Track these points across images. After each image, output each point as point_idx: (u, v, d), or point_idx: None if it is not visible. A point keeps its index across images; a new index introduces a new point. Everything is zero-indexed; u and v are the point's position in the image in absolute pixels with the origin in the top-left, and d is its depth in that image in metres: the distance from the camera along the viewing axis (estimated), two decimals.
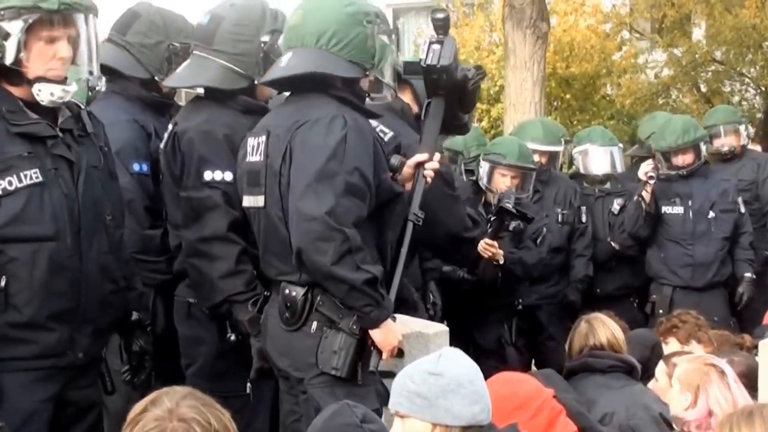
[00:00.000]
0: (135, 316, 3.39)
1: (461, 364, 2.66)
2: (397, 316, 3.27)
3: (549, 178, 6.21)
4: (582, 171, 6.63)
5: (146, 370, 3.45)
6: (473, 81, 3.82)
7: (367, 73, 3.35)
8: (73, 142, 3.13)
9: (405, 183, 3.48)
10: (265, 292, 3.46)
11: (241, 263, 3.52)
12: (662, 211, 6.23)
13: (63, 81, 3.06)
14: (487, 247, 5.13)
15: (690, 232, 6.21)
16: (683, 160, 6.24)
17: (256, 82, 3.65)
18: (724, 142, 6.89)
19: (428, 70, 3.61)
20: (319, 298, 3.18)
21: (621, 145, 6.98)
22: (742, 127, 7.04)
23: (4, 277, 2.93)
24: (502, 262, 5.27)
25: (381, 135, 3.85)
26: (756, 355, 4.09)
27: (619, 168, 6.71)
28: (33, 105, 3.05)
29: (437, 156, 3.57)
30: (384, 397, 3.00)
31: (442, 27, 3.58)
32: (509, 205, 5.17)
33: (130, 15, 4.06)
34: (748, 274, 6.27)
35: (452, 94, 3.70)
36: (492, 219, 5.23)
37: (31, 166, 2.99)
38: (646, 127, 6.78)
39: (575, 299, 6.17)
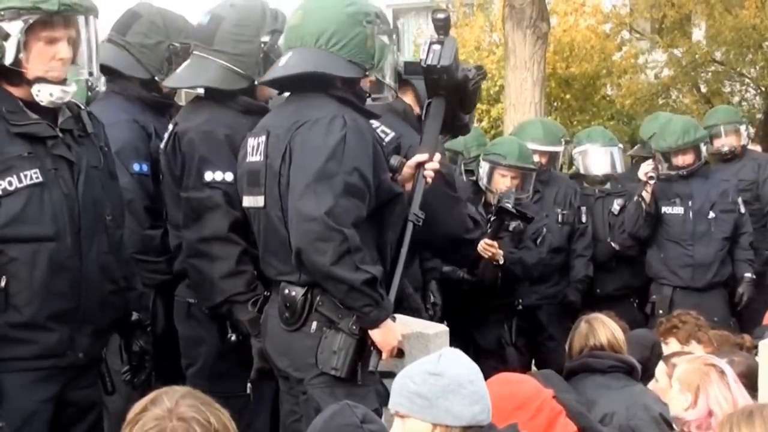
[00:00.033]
0: (135, 316, 3.39)
1: (461, 365, 2.67)
2: (397, 316, 3.27)
3: (549, 179, 6.21)
4: (582, 171, 6.64)
5: (146, 371, 3.45)
6: (474, 81, 3.82)
7: (367, 73, 3.35)
8: (73, 143, 3.13)
9: (405, 183, 3.48)
10: (265, 293, 3.46)
11: (242, 264, 3.52)
12: (662, 212, 6.23)
13: (62, 82, 3.06)
14: (487, 247, 5.13)
15: (690, 232, 6.21)
16: (683, 160, 6.24)
17: (256, 82, 3.65)
18: (725, 142, 6.89)
19: (429, 70, 3.61)
20: (318, 298, 3.18)
21: (621, 145, 6.98)
22: (742, 128, 7.04)
23: (4, 277, 2.94)
24: (502, 262, 5.27)
25: (382, 135, 3.85)
26: (756, 355, 4.09)
27: (619, 168, 6.71)
28: (33, 105, 3.05)
29: (437, 156, 3.57)
30: (384, 397, 3.00)
31: (442, 27, 3.58)
32: (509, 205, 5.17)
33: (131, 15, 4.06)
34: (748, 275, 6.27)
35: (453, 95, 3.70)
36: (492, 219, 5.23)
37: (31, 167, 2.99)
38: (648, 128, 6.78)
39: (575, 299, 6.17)
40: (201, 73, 3.68)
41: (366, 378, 3.18)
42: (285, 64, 3.34)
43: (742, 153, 6.95)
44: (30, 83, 3.02)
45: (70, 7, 3.00)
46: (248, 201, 3.37)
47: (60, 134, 3.09)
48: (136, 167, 3.87)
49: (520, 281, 5.65)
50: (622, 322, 4.55)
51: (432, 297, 5.12)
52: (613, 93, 16.35)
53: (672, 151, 6.22)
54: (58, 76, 3.04)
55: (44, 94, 3.02)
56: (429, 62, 3.58)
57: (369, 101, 3.54)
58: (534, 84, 9.55)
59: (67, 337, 3.06)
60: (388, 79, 3.47)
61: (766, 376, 3.79)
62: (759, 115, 15.77)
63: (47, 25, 2.99)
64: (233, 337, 3.60)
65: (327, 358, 3.14)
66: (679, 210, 6.24)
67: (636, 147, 7.39)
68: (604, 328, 4.07)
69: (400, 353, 3.29)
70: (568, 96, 15.39)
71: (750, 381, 3.88)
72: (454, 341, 3.72)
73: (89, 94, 4.40)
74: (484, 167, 5.60)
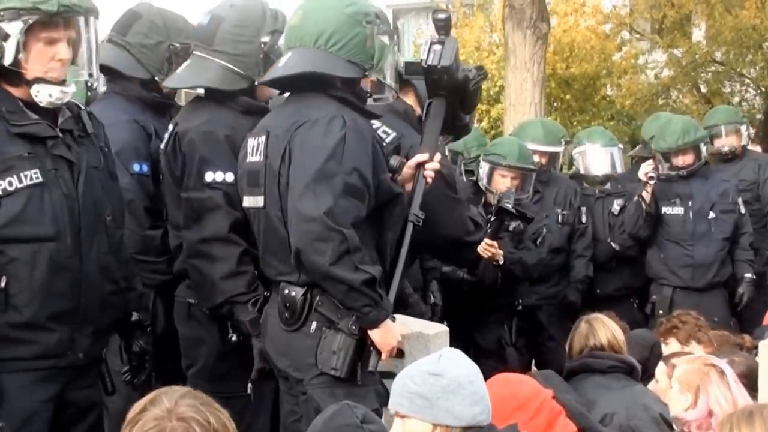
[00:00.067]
0: (135, 316, 3.39)
1: (461, 365, 2.67)
2: (397, 316, 3.27)
3: (549, 179, 6.21)
4: (582, 171, 6.64)
5: (146, 371, 3.45)
6: (474, 82, 3.81)
7: (367, 73, 3.35)
8: (73, 143, 3.13)
9: (405, 184, 3.48)
10: (265, 293, 3.46)
11: (243, 264, 3.52)
12: (662, 212, 6.23)
13: (62, 82, 3.06)
14: (487, 247, 5.13)
15: (690, 232, 6.21)
16: (683, 160, 6.24)
17: (256, 82, 3.65)
18: (725, 143, 6.89)
19: (429, 70, 3.61)
20: (318, 298, 3.18)
21: (621, 145, 6.98)
22: (743, 128, 7.04)
23: (4, 277, 2.94)
24: (502, 262, 5.27)
25: (384, 135, 3.85)
26: (756, 355, 4.09)
27: (619, 168, 6.71)
28: (33, 105, 3.05)
29: (438, 156, 3.57)
30: (384, 397, 3.00)
31: (443, 27, 3.58)
32: (509, 205, 5.17)
33: (131, 15, 4.06)
34: (748, 275, 6.27)
35: (453, 95, 3.70)
36: (492, 219, 5.23)
37: (31, 167, 2.99)
38: (650, 128, 6.77)
39: (575, 300, 6.17)
40: (201, 73, 3.68)
41: (366, 378, 3.18)
42: (284, 65, 3.34)
43: (743, 153, 6.95)
44: (29, 84, 3.02)
45: (70, 8, 3.00)
46: (248, 201, 3.38)
47: (60, 134, 3.09)
48: (136, 167, 3.86)
49: (520, 281, 5.65)
50: (623, 322, 4.55)
51: (432, 297, 5.12)
52: (613, 93, 16.35)
53: (672, 152, 6.22)
54: (58, 76, 3.04)
55: (43, 95, 3.02)
56: (430, 62, 3.58)
57: (370, 101, 3.54)
58: (534, 84, 9.56)
59: (67, 338, 3.06)
60: (389, 80, 3.46)
61: (766, 376, 3.79)
62: (759, 116, 15.77)
63: (47, 26, 2.99)
64: (234, 338, 3.60)
65: (326, 358, 3.14)
66: (679, 210, 6.24)
67: (638, 147, 7.39)
68: (604, 329, 4.07)
69: (400, 353, 3.29)
70: (568, 96, 15.40)
71: (750, 381, 3.88)
72: (454, 341, 3.72)
73: (89, 94, 4.39)
74: (484, 168, 5.60)
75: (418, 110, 4.12)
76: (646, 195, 6.14)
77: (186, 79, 3.76)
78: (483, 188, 5.61)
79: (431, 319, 4.57)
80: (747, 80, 15.93)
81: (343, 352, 3.13)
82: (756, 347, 4.21)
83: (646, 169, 6.17)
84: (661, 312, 6.00)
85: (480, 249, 5.06)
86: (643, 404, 3.73)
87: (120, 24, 4.06)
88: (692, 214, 6.21)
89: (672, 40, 15.78)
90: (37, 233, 2.97)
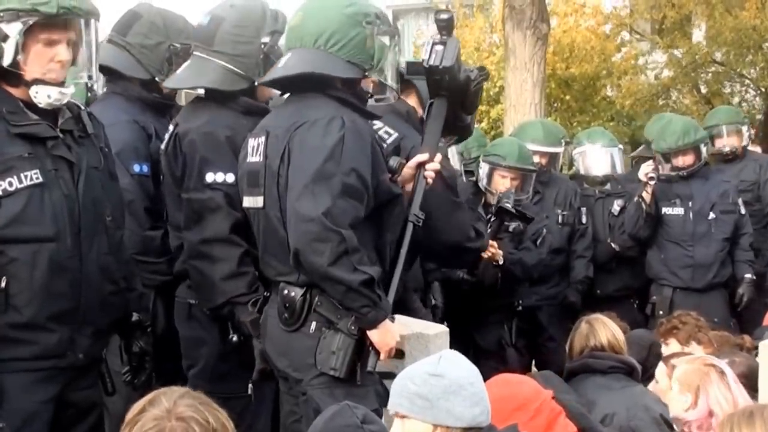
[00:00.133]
0: (135, 317, 3.39)
1: (461, 367, 2.67)
2: (397, 316, 3.27)
3: (549, 180, 6.21)
4: (582, 172, 6.64)
5: (146, 371, 3.45)
6: (476, 82, 3.81)
7: (366, 74, 3.35)
8: (73, 143, 3.13)
9: (405, 184, 3.48)
10: (265, 293, 3.46)
11: (243, 265, 3.52)
12: (662, 212, 6.23)
13: (61, 84, 3.05)
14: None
15: (690, 233, 6.21)
16: (683, 161, 6.24)
17: (256, 83, 3.65)
18: (726, 143, 6.88)
19: (431, 70, 3.61)
20: (317, 298, 3.18)
21: (621, 146, 6.98)
22: (744, 128, 7.04)
23: (4, 277, 2.94)
24: (501, 262, 5.27)
25: (385, 136, 3.85)
26: (756, 356, 4.08)
27: (619, 169, 6.71)
28: (33, 106, 3.05)
29: (438, 156, 3.57)
30: (384, 397, 3.00)
31: (445, 28, 3.57)
32: (508, 205, 5.17)
33: (131, 16, 4.06)
34: (748, 275, 6.27)
35: (455, 95, 3.70)
36: (491, 219, 5.23)
37: (31, 167, 2.99)
38: (652, 128, 6.76)
39: (575, 300, 6.17)
40: (201, 73, 3.68)
41: (365, 378, 3.18)
42: (284, 65, 3.34)
43: (743, 154, 6.95)
44: (28, 85, 3.02)
45: (69, 10, 3.00)
46: (248, 201, 3.38)
47: (60, 135, 3.09)
48: (136, 168, 3.86)
49: (520, 282, 5.65)
50: (623, 323, 4.55)
51: (433, 299, 5.11)
52: (613, 94, 16.35)
53: (672, 152, 6.22)
54: (57, 78, 3.04)
55: (42, 96, 3.02)
56: (431, 63, 3.58)
57: (372, 102, 3.54)
58: (534, 85, 9.56)
59: (68, 338, 3.06)
60: (389, 80, 3.46)
61: (766, 376, 3.79)
62: (759, 116, 15.77)
63: (46, 28, 2.99)
64: (234, 338, 3.60)
65: (326, 358, 3.14)
66: (679, 211, 6.23)
67: (641, 148, 7.38)
68: (604, 329, 4.07)
69: (399, 354, 3.29)
70: (568, 97, 15.40)
71: (750, 381, 3.88)
72: (454, 342, 3.72)
73: (89, 95, 4.39)
74: (483, 168, 5.60)
75: (420, 111, 4.12)
76: (646, 195, 6.14)
77: (186, 80, 3.76)
78: (483, 189, 5.61)
79: (432, 320, 4.56)
80: (747, 81, 15.93)
81: (342, 352, 3.13)
82: (756, 348, 4.21)
83: (646, 169, 6.17)
84: (661, 312, 6.00)
85: None
86: (644, 405, 3.73)
87: (120, 24, 4.06)
88: (692, 215, 6.21)
89: (672, 41, 15.78)
90: (37, 233, 2.97)
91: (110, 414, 3.50)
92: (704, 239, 6.19)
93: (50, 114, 3.09)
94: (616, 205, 6.48)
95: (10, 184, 2.95)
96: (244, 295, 3.50)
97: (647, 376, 4.20)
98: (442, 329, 3.71)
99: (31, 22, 2.95)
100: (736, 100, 15.88)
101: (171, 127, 3.75)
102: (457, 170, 5.59)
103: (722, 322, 5.88)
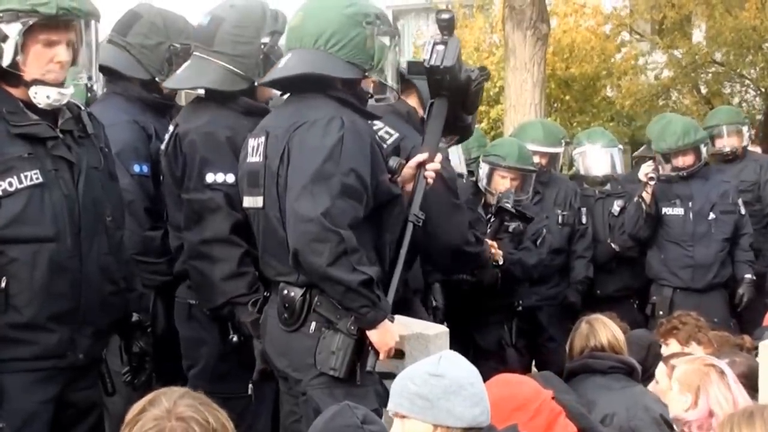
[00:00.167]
0: (135, 317, 3.39)
1: (461, 367, 2.67)
2: (398, 317, 3.27)
3: (549, 180, 6.21)
4: (582, 172, 6.64)
5: (146, 372, 3.45)
6: (477, 82, 3.81)
7: (366, 74, 3.35)
8: (73, 143, 3.13)
9: (406, 184, 3.48)
10: (265, 293, 3.46)
11: (244, 265, 3.52)
12: (662, 213, 6.23)
13: (60, 84, 3.05)
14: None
15: (690, 233, 6.21)
16: (683, 161, 6.24)
17: (256, 83, 3.65)
18: (726, 143, 6.88)
19: (432, 70, 3.61)
20: (317, 298, 3.18)
21: (621, 146, 6.98)
22: (744, 128, 7.04)
23: (4, 278, 2.94)
24: (501, 262, 5.26)
25: (386, 136, 3.85)
26: (756, 356, 4.09)
27: (619, 169, 6.71)
28: (33, 106, 3.05)
29: (438, 156, 3.57)
30: (384, 397, 3.00)
31: (447, 27, 3.57)
32: (508, 205, 5.17)
33: (131, 16, 4.06)
34: (748, 276, 6.27)
35: (456, 95, 3.70)
36: (491, 219, 5.22)
37: (31, 167, 2.99)
38: (653, 128, 6.77)
39: (575, 300, 6.17)
40: (201, 74, 3.68)
41: (365, 378, 3.18)
42: (284, 66, 3.34)
43: (743, 154, 6.95)
44: (27, 85, 3.02)
45: (69, 11, 3.00)
46: (248, 201, 3.38)
47: (60, 135, 3.09)
48: (136, 168, 3.86)
49: (520, 282, 5.64)
50: (623, 323, 4.55)
51: (434, 301, 5.11)
52: (613, 94, 16.38)
53: (672, 152, 6.22)
54: (56, 78, 3.04)
55: (41, 96, 3.02)
56: (432, 62, 3.58)
57: (372, 102, 3.54)
58: (534, 85, 9.56)
59: (68, 338, 3.06)
60: (389, 80, 3.46)
61: (766, 377, 3.79)
62: (759, 117, 15.78)
63: (45, 28, 2.98)
64: (234, 339, 3.60)
65: (325, 358, 3.14)
66: (679, 211, 6.23)
67: (642, 148, 7.38)
68: (604, 329, 4.07)
69: (400, 354, 3.29)
70: (568, 97, 15.42)
71: (750, 382, 3.88)
72: (454, 342, 3.72)
73: (88, 95, 4.40)
74: (483, 168, 5.59)
75: (420, 111, 4.12)
76: (646, 196, 6.14)
77: (186, 80, 3.76)
78: (483, 189, 5.60)
79: (432, 321, 4.56)
80: (747, 81, 15.95)
81: (341, 352, 3.13)
82: (756, 348, 4.21)
83: (646, 169, 6.17)
84: (661, 313, 6.00)
85: None
86: (644, 405, 3.73)
87: (120, 24, 4.06)
88: (692, 215, 6.21)
89: (672, 41, 15.80)
90: (38, 234, 2.97)
91: (110, 414, 3.50)
92: (704, 239, 6.19)
93: (50, 114, 3.09)
94: (616, 206, 6.47)
95: (10, 184, 2.95)
96: (245, 296, 3.50)
97: (646, 376, 4.20)
98: (442, 329, 3.71)
99: (30, 23, 2.95)
100: (736, 100, 15.90)
101: (171, 128, 3.75)
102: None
103: (722, 322, 5.88)
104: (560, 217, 6.18)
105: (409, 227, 3.39)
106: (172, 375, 3.60)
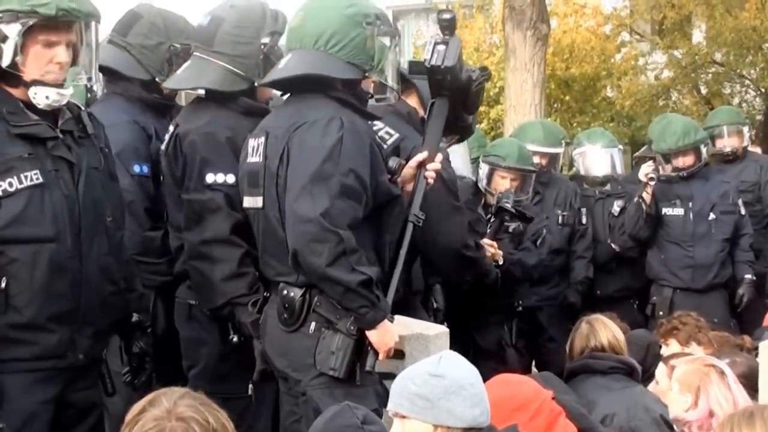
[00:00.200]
0: (135, 317, 3.39)
1: (461, 367, 2.67)
2: (397, 317, 3.27)
3: (549, 180, 6.21)
4: (582, 173, 6.64)
5: (147, 372, 3.45)
6: (478, 82, 3.81)
7: (366, 74, 3.35)
8: (73, 144, 3.13)
9: (406, 184, 3.48)
10: (265, 293, 3.47)
11: (244, 266, 3.52)
12: (662, 213, 6.23)
13: (60, 85, 3.05)
14: (486, 247, 5.12)
15: (690, 233, 6.21)
16: (683, 161, 6.24)
17: (256, 83, 3.65)
18: (727, 143, 6.88)
19: (433, 70, 3.61)
20: (316, 299, 3.18)
21: (621, 146, 6.98)
22: (745, 129, 7.04)
23: (4, 278, 2.93)
24: (501, 262, 5.26)
25: (386, 136, 3.85)
26: (756, 356, 4.09)
27: (619, 169, 6.71)
28: (33, 106, 3.05)
29: (439, 156, 3.57)
30: (384, 398, 3.00)
31: (448, 27, 3.57)
32: (508, 205, 5.16)
33: (131, 16, 4.06)
34: (748, 276, 6.27)
35: (456, 95, 3.70)
36: (491, 219, 5.22)
37: (31, 168, 2.99)
38: (654, 129, 6.76)
39: (575, 301, 6.18)
40: (201, 74, 3.68)
41: (364, 378, 3.18)
42: (284, 66, 3.34)
43: (744, 154, 6.95)
44: (27, 85, 3.02)
45: (68, 12, 2.99)
46: (248, 202, 3.38)
47: (60, 135, 3.09)
48: (136, 168, 3.86)
49: (520, 282, 5.64)
50: (623, 323, 4.55)
51: (435, 302, 5.11)
52: (613, 94, 16.39)
53: (672, 153, 6.22)
54: (55, 79, 3.04)
55: (41, 97, 3.02)
56: (433, 62, 3.57)
57: (372, 102, 3.53)
58: (534, 85, 9.57)
59: (68, 338, 3.05)
60: (390, 81, 3.46)
61: (766, 377, 3.79)
62: (759, 117, 15.79)
63: (45, 29, 2.98)
64: (235, 339, 3.60)
65: (325, 358, 3.14)
66: (679, 211, 6.24)
67: (644, 148, 7.40)
68: (605, 329, 4.07)
69: (400, 354, 3.28)
70: (568, 97, 15.43)
71: (750, 382, 3.88)
72: (454, 342, 3.72)
73: (88, 95, 4.40)
74: (483, 169, 5.59)
75: (421, 112, 4.12)
76: (647, 196, 6.14)
77: (186, 80, 3.76)
78: (483, 189, 5.60)
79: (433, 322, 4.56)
80: (747, 81, 15.95)
81: (341, 352, 3.13)
82: (756, 348, 4.21)
83: (646, 170, 6.17)
84: (661, 313, 6.00)
85: None
86: (644, 405, 3.73)
87: (120, 25, 4.06)
88: (692, 216, 6.21)
89: (672, 42, 15.81)
90: (38, 234, 2.97)
91: (110, 414, 3.50)
92: (704, 240, 6.19)
93: (50, 114, 3.09)
94: (616, 206, 6.47)
95: (11, 184, 2.95)
96: (245, 296, 3.50)
97: (646, 376, 4.20)
98: (442, 330, 3.71)
99: (30, 24, 2.95)
100: (736, 100, 15.91)
101: (171, 128, 3.75)
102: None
103: (722, 322, 5.88)
104: (560, 218, 6.18)
105: (409, 227, 3.39)
106: (172, 375, 3.60)
